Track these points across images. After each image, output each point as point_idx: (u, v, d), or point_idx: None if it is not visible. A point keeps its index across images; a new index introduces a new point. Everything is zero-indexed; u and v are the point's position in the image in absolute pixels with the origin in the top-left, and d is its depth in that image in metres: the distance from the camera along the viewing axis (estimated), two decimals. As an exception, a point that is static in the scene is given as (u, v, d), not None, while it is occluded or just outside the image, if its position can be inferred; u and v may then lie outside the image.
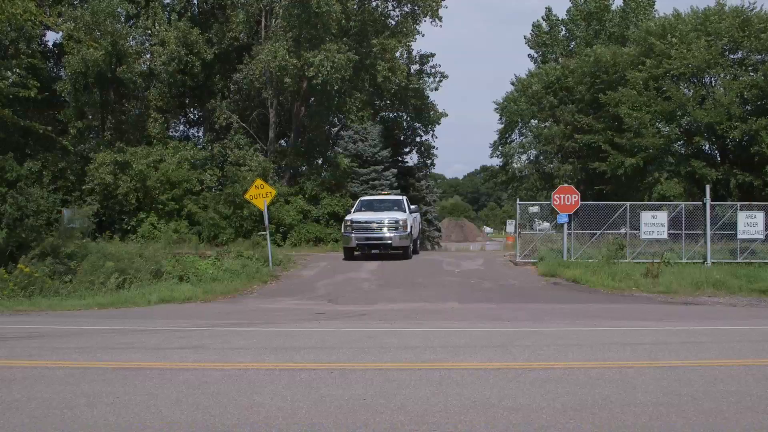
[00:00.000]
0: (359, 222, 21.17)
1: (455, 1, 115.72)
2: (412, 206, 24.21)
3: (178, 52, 31.77)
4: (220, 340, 9.20)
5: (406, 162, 44.17)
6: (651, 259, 18.70)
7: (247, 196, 21.84)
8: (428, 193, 44.10)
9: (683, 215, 20.34)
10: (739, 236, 19.86)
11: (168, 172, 30.55)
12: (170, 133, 36.56)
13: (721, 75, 29.47)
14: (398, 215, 21.56)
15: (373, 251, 21.17)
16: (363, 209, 22.61)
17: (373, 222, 21.09)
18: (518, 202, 22.31)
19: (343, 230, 21.78)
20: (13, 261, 15.83)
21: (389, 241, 20.98)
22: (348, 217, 21.68)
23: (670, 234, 20.15)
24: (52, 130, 30.16)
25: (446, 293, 15.81)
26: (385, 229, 21.06)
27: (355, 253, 21.76)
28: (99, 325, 11.10)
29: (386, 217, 21.30)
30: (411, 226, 21.83)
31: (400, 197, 24.33)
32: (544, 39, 44.51)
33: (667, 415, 5.27)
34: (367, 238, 21.09)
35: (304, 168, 35.29)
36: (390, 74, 34.22)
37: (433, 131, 44.05)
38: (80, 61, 29.34)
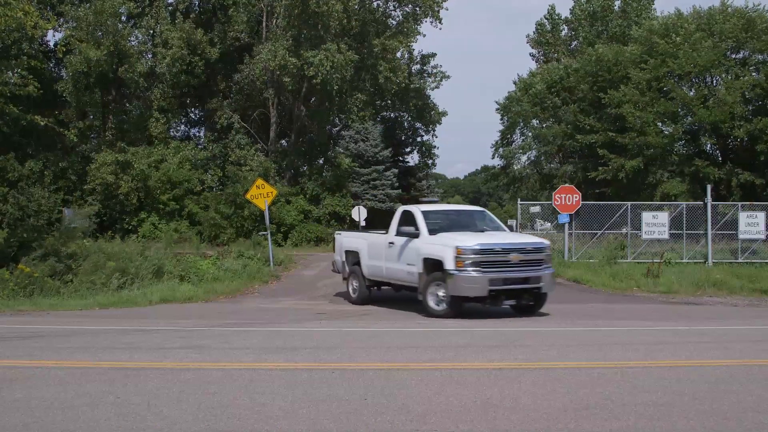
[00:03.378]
0: (490, 250, 11.77)
1: (459, 1, 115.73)
2: None
3: (182, 52, 31.79)
4: (221, 339, 9.21)
5: (407, 162, 44.28)
6: (652, 259, 18.69)
7: (248, 196, 21.85)
8: (429, 193, 44.19)
9: (684, 215, 20.34)
10: (740, 236, 19.85)
11: (169, 172, 30.58)
12: (171, 133, 36.62)
13: (724, 75, 29.50)
14: (538, 239, 13.18)
15: (506, 303, 12.18)
16: (441, 227, 12.86)
17: (513, 250, 11.92)
18: (519, 202, 22.32)
19: (450, 265, 11.59)
20: (14, 261, 15.84)
21: (539, 284, 11.99)
22: (462, 243, 11.70)
23: (671, 234, 20.14)
24: (53, 130, 30.21)
25: (447, 293, 15.75)
26: (531, 265, 12.03)
27: (486, 304, 12.16)
28: (100, 325, 11.10)
29: (527, 241, 12.58)
30: None
31: (481, 209, 15.09)
32: (547, 38, 44.52)
33: (669, 415, 5.27)
34: (506, 280, 11.71)
35: (305, 168, 35.31)
36: (391, 74, 34.26)
37: (434, 131, 44.19)
38: (82, 61, 29.37)
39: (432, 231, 12.61)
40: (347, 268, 14.57)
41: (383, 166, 35.96)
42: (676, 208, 20.94)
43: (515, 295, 12.04)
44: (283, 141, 37.26)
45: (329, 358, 7.77)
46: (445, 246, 11.82)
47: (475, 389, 6.08)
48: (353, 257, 14.39)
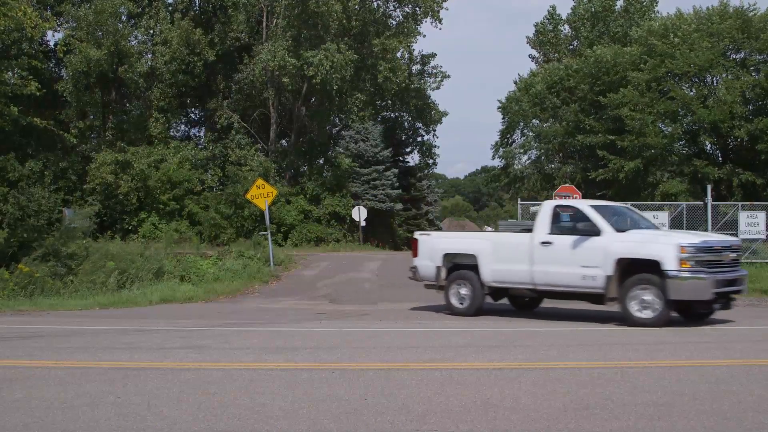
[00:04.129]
0: (711, 248, 10.78)
1: (459, 1, 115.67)
2: None
3: (181, 52, 31.83)
4: (221, 340, 9.21)
5: (407, 162, 44.27)
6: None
7: (248, 196, 21.84)
8: (429, 193, 44.20)
9: (684, 215, 20.32)
10: (741, 236, 19.78)
11: (169, 171, 30.60)
12: (171, 133, 36.65)
13: (723, 75, 29.49)
14: (734, 237, 12.85)
15: (714, 306, 10.83)
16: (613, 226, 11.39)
17: (727, 249, 11.11)
18: (520, 202, 22.29)
19: (671, 265, 10.30)
20: (15, 261, 15.84)
21: (742, 287, 11.45)
22: (686, 241, 10.61)
23: (671, 234, 20.10)
24: (53, 130, 30.24)
25: (447, 293, 15.74)
26: (736, 266, 11.45)
27: (697, 309, 11.18)
28: (100, 325, 11.11)
29: (733, 240, 11.95)
30: None
31: (627, 205, 14.52)
32: (548, 37, 44.49)
33: (669, 415, 5.26)
34: (726, 282, 10.75)
35: (305, 168, 35.32)
36: (391, 74, 34.28)
37: (434, 131, 44.20)
38: (82, 61, 29.39)
39: (617, 229, 11.17)
40: (443, 275, 12.46)
41: (383, 166, 35.96)
42: (677, 208, 20.91)
43: (725, 298, 10.94)
44: (283, 141, 37.27)
45: (329, 358, 7.77)
46: (663, 244, 10.56)
47: (475, 389, 6.08)
48: (455, 260, 12.40)
